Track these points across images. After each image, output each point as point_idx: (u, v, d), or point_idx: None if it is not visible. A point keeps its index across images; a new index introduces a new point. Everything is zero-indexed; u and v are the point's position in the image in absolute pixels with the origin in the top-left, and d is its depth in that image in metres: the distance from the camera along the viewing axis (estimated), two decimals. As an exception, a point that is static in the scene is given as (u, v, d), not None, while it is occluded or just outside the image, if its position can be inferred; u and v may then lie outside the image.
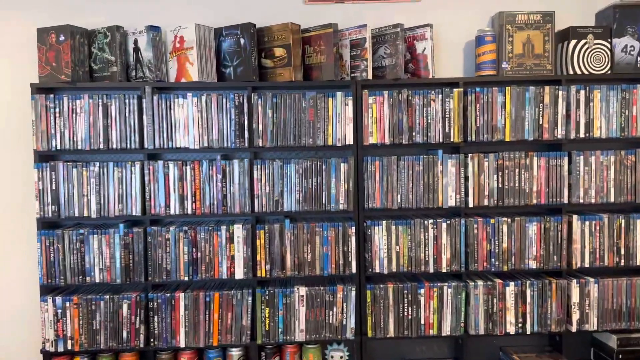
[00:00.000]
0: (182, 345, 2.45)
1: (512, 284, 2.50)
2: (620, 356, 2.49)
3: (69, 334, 2.42)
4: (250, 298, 2.46)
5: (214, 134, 2.44)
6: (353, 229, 2.47)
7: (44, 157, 2.46)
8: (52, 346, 2.42)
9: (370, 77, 2.50)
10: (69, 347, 2.43)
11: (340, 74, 2.56)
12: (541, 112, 2.49)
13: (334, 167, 2.47)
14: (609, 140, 2.52)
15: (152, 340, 2.44)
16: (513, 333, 2.51)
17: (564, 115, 2.49)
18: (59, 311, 2.42)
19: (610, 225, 2.51)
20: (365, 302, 2.49)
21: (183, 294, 2.44)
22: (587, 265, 2.51)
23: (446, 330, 2.51)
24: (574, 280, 2.50)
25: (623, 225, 2.51)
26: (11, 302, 2.65)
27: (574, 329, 2.50)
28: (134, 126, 2.42)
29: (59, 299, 2.41)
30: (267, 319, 2.47)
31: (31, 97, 2.40)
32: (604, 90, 2.50)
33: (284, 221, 2.48)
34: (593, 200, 2.51)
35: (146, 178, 2.43)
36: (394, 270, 2.50)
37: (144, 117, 2.42)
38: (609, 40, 2.52)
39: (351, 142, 2.47)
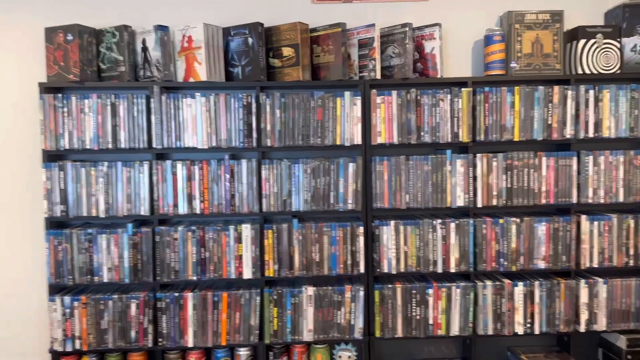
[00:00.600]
0: (190, 344, 2.46)
1: (520, 284, 2.51)
2: (629, 357, 2.50)
3: (77, 334, 2.44)
4: (258, 298, 2.47)
5: (222, 134, 2.45)
6: (361, 229, 2.48)
7: (52, 157, 2.47)
8: (60, 346, 2.44)
9: (378, 76, 2.50)
10: (77, 347, 2.44)
11: (349, 73, 2.57)
12: (550, 112, 2.49)
13: (342, 167, 2.48)
14: (618, 140, 2.52)
15: (160, 339, 2.45)
16: (521, 333, 2.51)
17: (573, 115, 2.49)
18: (67, 311, 2.43)
19: (619, 226, 2.51)
20: (373, 302, 2.50)
21: (191, 293, 2.45)
22: (595, 265, 2.52)
23: (454, 330, 2.52)
24: (583, 281, 2.51)
25: (632, 225, 2.52)
26: (20, 302, 2.66)
27: (582, 329, 2.51)
28: (142, 126, 2.43)
29: (67, 299, 2.43)
30: (275, 319, 2.48)
31: (39, 97, 2.41)
32: (613, 90, 2.50)
33: (292, 221, 2.49)
34: (602, 200, 2.52)
35: (154, 178, 2.44)
36: (402, 270, 2.50)
37: (152, 116, 2.43)
38: (618, 39, 2.52)
39: (359, 142, 2.47)
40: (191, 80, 2.47)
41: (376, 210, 2.50)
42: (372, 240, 2.51)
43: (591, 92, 2.49)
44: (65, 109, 2.42)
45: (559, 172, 2.51)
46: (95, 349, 2.45)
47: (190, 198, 2.45)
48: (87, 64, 2.43)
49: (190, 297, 2.45)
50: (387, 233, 2.50)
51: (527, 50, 2.53)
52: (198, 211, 2.45)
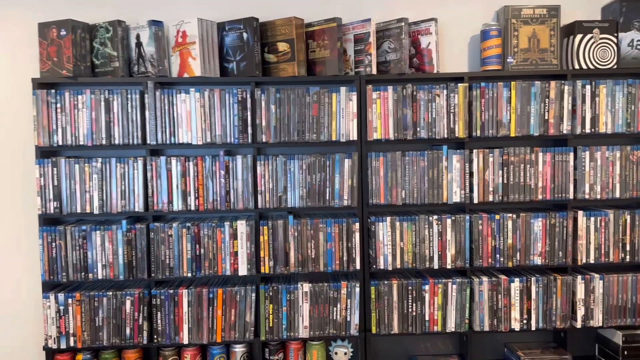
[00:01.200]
0: (186, 341, 2.47)
1: (517, 280, 2.52)
2: (625, 352, 2.51)
3: (71, 331, 2.44)
4: (253, 294, 2.48)
5: (217, 130, 2.45)
6: (357, 225, 2.49)
7: (45, 153, 2.47)
8: (54, 343, 2.44)
9: (374, 72, 2.51)
10: (72, 344, 2.44)
11: (344, 68, 2.57)
12: (547, 107, 2.50)
13: (337, 163, 2.48)
14: (614, 136, 2.53)
15: (155, 336, 2.46)
16: (518, 329, 2.53)
17: (570, 111, 2.50)
18: (62, 308, 2.43)
19: (615, 221, 2.53)
20: (369, 299, 2.51)
21: (186, 290, 2.46)
22: (592, 261, 2.53)
23: (451, 326, 2.53)
24: (579, 277, 2.52)
25: (629, 221, 2.53)
26: (13, 299, 2.67)
27: (578, 325, 2.52)
28: (136, 122, 2.43)
29: (61, 296, 2.43)
30: (271, 316, 2.49)
31: (32, 93, 2.41)
32: (610, 85, 2.51)
33: (287, 217, 2.49)
34: (599, 196, 2.53)
35: (149, 174, 2.44)
36: (398, 266, 2.51)
37: (147, 112, 2.43)
38: (615, 34, 2.52)
39: (355, 138, 2.48)
40: (185, 75, 2.47)
41: (372, 207, 2.51)
42: (368, 237, 2.52)
43: (588, 87, 2.50)
44: (59, 105, 2.42)
45: (556, 168, 2.52)
46: (90, 346, 2.45)
47: (185, 194, 2.45)
48: (80, 59, 2.43)
49: (185, 294, 2.46)
50: (383, 229, 2.51)
51: (524, 45, 2.53)
52: (193, 207, 2.46)
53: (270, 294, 2.49)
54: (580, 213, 2.52)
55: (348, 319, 2.51)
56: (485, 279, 2.52)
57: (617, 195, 2.53)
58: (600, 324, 2.53)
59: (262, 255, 2.48)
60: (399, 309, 2.52)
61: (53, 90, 2.42)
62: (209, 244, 2.46)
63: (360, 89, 2.48)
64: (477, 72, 2.58)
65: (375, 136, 2.49)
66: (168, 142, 2.44)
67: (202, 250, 2.46)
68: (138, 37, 2.47)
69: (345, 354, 2.58)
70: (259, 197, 2.47)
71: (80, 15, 2.58)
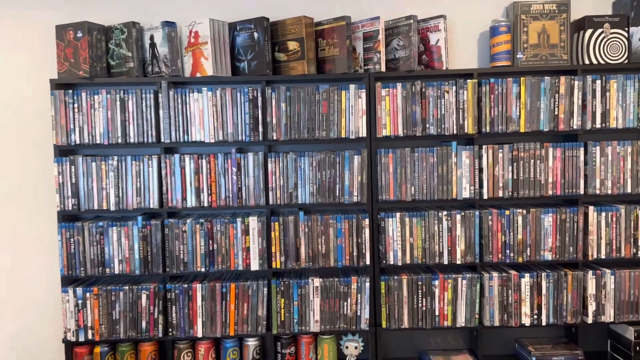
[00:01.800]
0: (200, 335, 2.57)
1: (527, 275, 2.57)
2: (637, 348, 2.54)
3: (89, 324, 2.55)
4: (265, 289, 2.57)
5: (229, 128, 2.54)
6: (367, 221, 2.56)
7: (63, 152, 2.58)
8: (73, 336, 2.56)
9: (383, 69, 2.57)
10: (90, 337, 2.56)
11: (354, 66, 2.64)
12: (557, 103, 2.54)
13: (347, 160, 2.55)
14: (625, 131, 2.56)
15: (170, 330, 2.56)
16: (528, 324, 2.57)
17: (580, 106, 2.54)
18: (80, 302, 2.55)
19: (627, 217, 2.55)
20: (379, 294, 2.58)
21: (200, 284, 2.55)
22: (603, 256, 2.56)
23: (461, 321, 2.58)
24: (590, 272, 2.55)
25: (640, 216, 2.56)
26: (33, 294, 2.79)
27: (590, 320, 2.56)
28: (150, 121, 2.53)
29: (79, 290, 2.54)
30: (283, 310, 2.57)
31: (50, 93, 2.53)
32: (621, 80, 2.53)
33: (298, 213, 2.57)
34: (609, 191, 2.56)
35: (163, 171, 2.54)
36: (408, 262, 2.57)
37: (161, 111, 2.53)
38: (626, 29, 2.55)
39: (364, 135, 2.55)
40: (198, 75, 2.56)
41: (382, 203, 2.57)
42: (377, 232, 2.58)
43: (598, 82, 2.53)
44: (76, 105, 2.53)
45: (566, 163, 2.55)
46: (107, 339, 2.56)
47: (198, 191, 2.55)
48: (96, 60, 2.54)
49: (199, 288, 2.55)
50: (393, 225, 2.57)
51: (534, 41, 2.57)
52: (206, 204, 2.55)
53: (282, 288, 2.57)
54: (591, 208, 2.55)
55: (358, 314, 2.58)
56: (495, 274, 2.57)
57: (629, 190, 2.55)
58: (612, 320, 2.56)
59: (273, 250, 2.56)
60: (409, 304, 2.58)
61: (70, 91, 2.53)
62: (222, 239, 2.56)
63: (369, 86, 2.55)
64: (487, 68, 2.63)
65: (384, 133, 2.56)
66: (181, 140, 2.54)
67: (215, 246, 2.56)
68: (152, 38, 2.57)
69: (356, 348, 2.65)
70: (270, 193, 2.55)
71: (96, 17, 2.69)
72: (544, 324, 2.57)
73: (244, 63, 2.59)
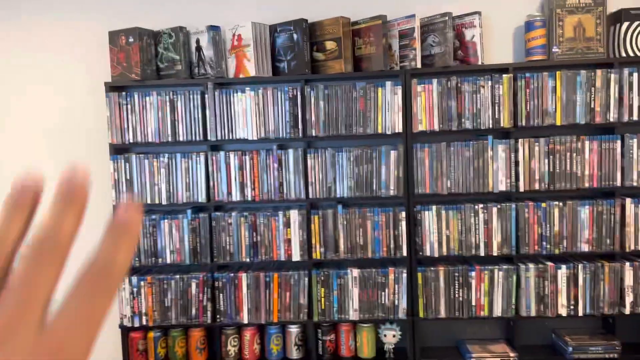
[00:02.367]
0: (246, 321, 2.79)
1: (563, 266, 2.66)
2: (677, 340, 2.60)
3: (143, 310, 2.81)
4: (306, 279, 2.76)
5: (270, 126, 2.74)
6: (403, 214, 2.71)
7: (118, 150, 2.84)
8: (129, 321, 2.82)
9: (419, 66, 2.71)
10: (144, 323, 2.82)
11: (390, 63, 2.79)
12: (593, 96, 2.62)
13: (384, 155, 2.71)
14: (664, 123, 2.61)
15: (218, 316, 2.80)
16: (565, 315, 2.67)
17: (617, 99, 2.61)
18: (135, 289, 2.81)
19: (666, 208, 2.61)
20: (416, 284, 2.73)
21: (245, 274, 2.77)
22: (641, 248, 2.63)
23: (497, 312, 2.71)
24: (627, 263, 2.63)
25: (680, 208, 2.61)
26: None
27: (627, 311, 2.64)
28: (198, 120, 2.76)
29: (134, 279, 2.81)
30: (323, 299, 2.76)
31: (105, 95, 2.79)
32: (659, 72, 2.59)
33: (336, 207, 2.75)
34: (648, 183, 2.62)
35: (210, 168, 2.76)
36: (445, 253, 2.71)
37: (207, 111, 2.75)
38: (665, 20, 2.59)
39: (400, 130, 2.69)
40: (241, 76, 2.76)
41: (418, 196, 2.72)
42: (414, 225, 2.73)
43: (635, 75, 2.60)
44: (129, 106, 2.78)
45: (602, 156, 2.63)
46: (160, 325, 2.82)
47: (242, 186, 2.76)
48: (147, 63, 2.78)
49: (244, 278, 2.77)
50: (429, 218, 2.71)
51: (569, 35, 2.65)
52: (250, 198, 2.76)
53: (322, 278, 2.76)
54: (628, 200, 2.62)
55: (396, 303, 2.74)
56: (531, 265, 2.68)
57: (668, 182, 2.61)
58: (651, 311, 2.63)
59: (313, 242, 2.75)
60: (445, 295, 2.73)
61: (124, 93, 2.78)
62: (265, 231, 2.76)
63: (405, 82, 2.69)
64: (522, 62, 2.73)
65: (420, 128, 2.70)
66: (226, 138, 2.75)
67: (258, 238, 2.77)
68: (198, 41, 2.79)
69: (394, 336, 2.82)
70: (310, 187, 2.74)
71: (146, 23, 2.94)
72: (580, 314, 2.67)
73: (284, 63, 2.78)
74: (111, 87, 2.82)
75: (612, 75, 2.60)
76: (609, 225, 2.64)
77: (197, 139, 2.77)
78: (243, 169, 2.77)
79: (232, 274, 2.78)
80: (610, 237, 2.64)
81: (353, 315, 2.77)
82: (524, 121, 2.66)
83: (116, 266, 0.27)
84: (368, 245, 2.74)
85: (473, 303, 2.72)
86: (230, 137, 2.76)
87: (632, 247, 2.63)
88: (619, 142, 2.62)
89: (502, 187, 2.69)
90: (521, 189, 2.68)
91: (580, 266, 2.66)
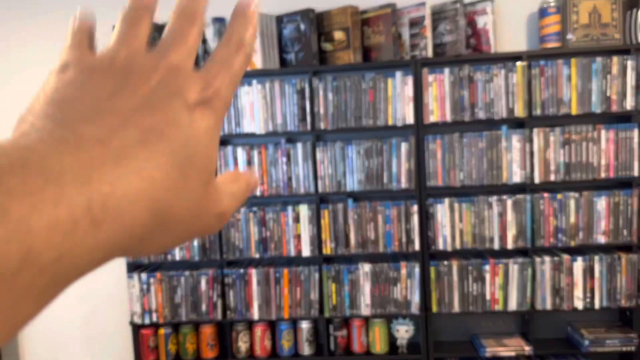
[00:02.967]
0: (256, 317, 2.84)
1: (579, 259, 2.68)
2: (697, 333, 2.62)
3: (153, 307, 2.87)
4: (317, 274, 2.80)
5: (278, 119, 2.76)
6: (415, 207, 2.73)
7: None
8: (139, 318, 2.88)
9: (430, 55, 2.72)
10: (154, 319, 2.88)
11: (400, 53, 2.79)
12: (609, 84, 2.61)
13: (394, 147, 2.73)
14: (684, 110, 2.60)
15: (228, 312, 2.85)
16: (581, 308, 2.69)
17: (634, 86, 2.60)
18: (144, 286, 2.86)
19: (685, 199, 2.62)
20: (429, 279, 2.76)
21: (255, 270, 2.82)
22: (660, 239, 2.64)
23: (512, 305, 2.74)
24: (646, 255, 2.64)
25: (700, 198, 2.61)
26: (102, 279, 3.14)
27: (645, 304, 2.66)
28: (204, 114, 2.78)
29: (144, 275, 2.86)
30: (334, 294, 2.80)
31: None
32: (679, 58, 2.58)
33: (347, 201, 2.78)
34: (667, 173, 2.62)
35: (218, 163, 2.79)
36: (458, 247, 2.74)
37: (213, 105, 2.78)
38: (685, 3, 2.58)
39: (411, 122, 2.71)
40: (248, 68, 2.78)
41: (430, 189, 2.74)
42: (426, 218, 2.76)
43: (653, 61, 2.59)
44: (135, 101, 2.81)
45: (619, 145, 2.64)
46: (170, 322, 2.88)
47: (250, 181, 2.79)
48: (152, 58, 2.80)
49: (254, 274, 2.82)
50: (442, 211, 2.74)
51: (584, 21, 2.64)
52: (258, 193, 2.80)
53: (333, 274, 2.80)
54: (646, 191, 2.63)
55: (409, 298, 2.78)
56: (547, 258, 2.70)
57: (688, 171, 2.61)
58: (670, 304, 2.65)
59: (323, 237, 2.79)
60: (459, 289, 2.75)
61: (129, 88, 2.81)
62: (274, 227, 2.80)
63: (415, 72, 2.70)
64: (536, 50, 2.73)
65: (431, 119, 2.71)
66: (234, 132, 2.78)
67: (268, 233, 2.81)
68: (203, 34, 2.81)
69: (407, 331, 2.85)
70: (319, 182, 2.77)
71: (150, 16, 2.95)
72: (597, 307, 2.69)
73: (291, 55, 2.79)
74: (116, 82, 2.84)
75: (629, 62, 2.59)
76: (625, 216, 2.65)
77: (204, 133, 2.79)
78: (251, 164, 2.80)
79: (241, 270, 2.83)
80: (627, 228, 2.65)
81: (365, 310, 2.81)
82: (539, 110, 2.67)
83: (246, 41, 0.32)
84: (379, 239, 2.77)
85: (487, 297, 2.75)
86: (238, 132, 2.79)
87: (651, 239, 2.64)
88: (636, 131, 2.62)
89: (517, 178, 2.70)
90: (536, 181, 2.69)
91: (596, 258, 2.68)
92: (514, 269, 2.72)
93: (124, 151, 0.25)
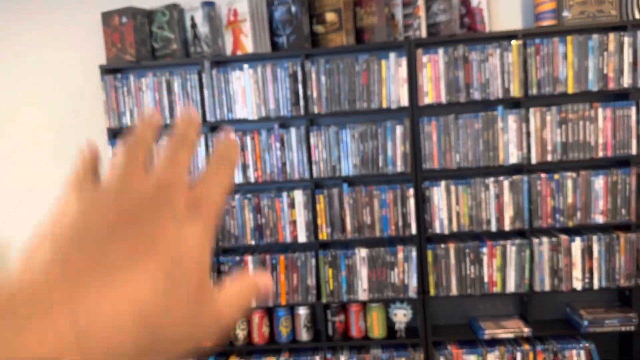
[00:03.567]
0: (253, 304, 2.88)
1: (578, 239, 2.72)
2: (696, 311, 2.67)
3: (150, 297, 2.91)
4: (313, 260, 2.85)
5: (271, 104, 2.79)
6: (411, 191, 2.77)
7: (116, 134, 2.91)
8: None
9: (424, 35, 2.73)
10: (151, 309, 2.92)
11: (393, 34, 2.81)
12: (606, 61, 2.64)
13: (389, 130, 2.76)
14: (682, 86, 2.63)
15: (224, 300, 2.89)
16: (580, 289, 2.74)
17: (631, 63, 2.63)
18: (140, 276, 2.90)
19: (684, 176, 2.65)
20: (426, 262, 2.81)
21: (251, 257, 2.86)
22: (658, 218, 2.68)
23: (510, 287, 2.78)
24: (644, 234, 2.68)
25: (699, 175, 2.65)
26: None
27: (644, 283, 2.70)
28: (196, 100, 2.81)
29: (139, 265, 2.90)
30: (331, 279, 2.85)
31: (101, 79, 2.84)
32: (676, 33, 2.60)
33: (342, 185, 2.81)
34: (665, 151, 2.66)
35: (210, 149, 2.83)
36: (455, 230, 2.78)
37: (205, 91, 2.80)
38: (682, -23, 2.59)
39: (406, 104, 2.74)
40: (239, 52, 2.81)
41: (426, 172, 2.78)
42: (422, 201, 2.79)
43: (650, 37, 2.61)
44: (125, 89, 2.84)
45: (617, 123, 2.67)
46: (167, 310, 2.92)
47: (244, 167, 2.83)
48: (141, 44, 2.83)
49: (250, 261, 2.86)
50: (438, 194, 2.77)
51: (580, -3, 2.66)
52: (252, 180, 2.83)
53: (329, 259, 2.84)
54: (644, 169, 2.66)
55: (406, 282, 2.83)
56: (545, 239, 2.74)
57: (686, 148, 2.65)
58: (669, 282, 2.70)
59: (319, 222, 2.83)
60: (456, 272, 2.80)
61: (119, 75, 2.84)
62: (269, 213, 2.84)
63: (410, 53, 2.72)
64: (531, 28, 2.75)
65: (426, 101, 2.74)
66: (226, 118, 2.81)
67: (263, 220, 2.85)
68: (192, 18, 2.83)
69: (405, 315, 2.91)
70: (314, 167, 2.80)
71: (139, 2, 2.97)
72: (596, 287, 2.74)
73: (282, 38, 2.81)
74: (106, 70, 2.87)
75: (626, 39, 2.61)
76: (624, 195, 2.69)
77: (196, 120, 2.82)
78: (244, 150, 2.83)
79: (237, 258, 2.87)
80: (625, 207, 2.69)
81: (362, 295, 2.86)
82: (535, 90, 2.69)
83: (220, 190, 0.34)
84: (376, 224, 2.81)
85: (485, 279, 2.80)
86: (230, 118, 2.81)
87: (649, 217, 2.68)
88: (633, 109, 2.65)
89: (514, 159, 2.73)
90: (533, 161, 2.72)
91: (594, 238, 2.72)
92: (511, 250, 2.77)
93: (111, 270, 0.28)
